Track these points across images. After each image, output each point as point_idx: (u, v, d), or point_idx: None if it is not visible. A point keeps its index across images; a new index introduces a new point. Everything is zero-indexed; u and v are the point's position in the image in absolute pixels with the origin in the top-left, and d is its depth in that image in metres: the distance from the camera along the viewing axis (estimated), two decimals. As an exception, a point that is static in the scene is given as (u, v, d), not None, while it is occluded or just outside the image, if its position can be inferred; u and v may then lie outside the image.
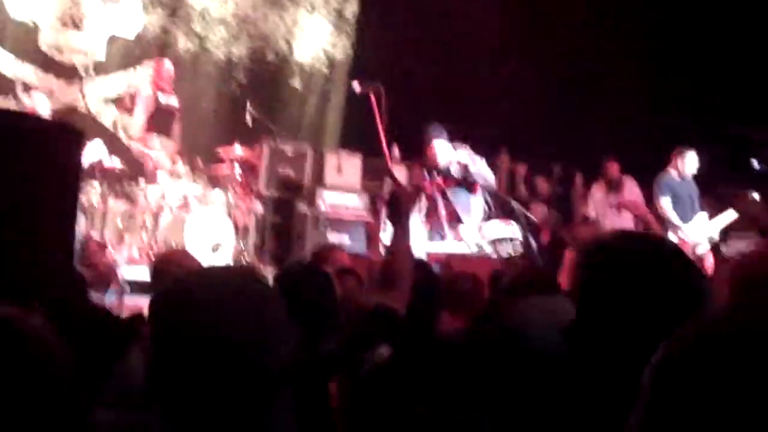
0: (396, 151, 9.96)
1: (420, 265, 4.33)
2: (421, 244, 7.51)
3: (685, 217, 8.54)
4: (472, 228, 7.86)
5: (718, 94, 10.13)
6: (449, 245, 7.75)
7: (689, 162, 8.64)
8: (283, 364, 1.51)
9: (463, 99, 10.96)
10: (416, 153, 10.15)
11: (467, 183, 8.07)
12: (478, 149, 8.34)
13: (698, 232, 8.47)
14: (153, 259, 6.67)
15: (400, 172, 9.76)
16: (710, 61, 10.50)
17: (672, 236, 8.21)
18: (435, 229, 7.91)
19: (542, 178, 10.88)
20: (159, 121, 9.48)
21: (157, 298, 1.60)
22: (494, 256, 7.51)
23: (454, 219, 7.92)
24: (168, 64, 9.86)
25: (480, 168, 8.10)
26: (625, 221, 9.31)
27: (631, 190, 9.66)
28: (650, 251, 1.81)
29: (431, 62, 11.67)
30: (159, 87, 9.60)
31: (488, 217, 8.07)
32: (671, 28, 10.89)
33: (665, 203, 8.52)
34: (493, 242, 7.66)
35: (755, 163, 8.45)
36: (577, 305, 1.84)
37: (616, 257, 1.82)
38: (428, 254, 7.26)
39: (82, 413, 1.44)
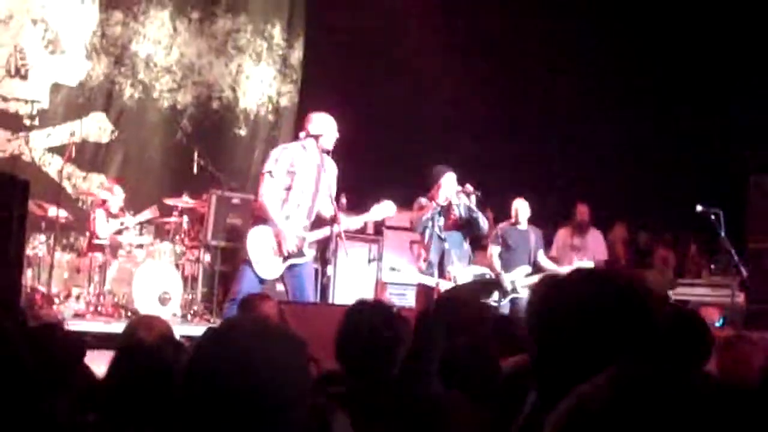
0: (344, 200, 10.02)
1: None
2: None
3: (514, 265, 8.91)
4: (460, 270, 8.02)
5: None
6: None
7: (522, 211, 9.02)
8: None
9: (413, 146, 11.02)
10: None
11: (464, 225, 8.17)
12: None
13: (511, 282, 8.83)
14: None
15: (347, 222, 9.80)
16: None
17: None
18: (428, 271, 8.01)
19: None
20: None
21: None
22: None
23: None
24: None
25: (479, 214, 8.21)
26: (585, 264, 9.50)
27: (596, 237, 9.93)
28: (607, 290, 1.85)
29: (380, 108, 11.68)
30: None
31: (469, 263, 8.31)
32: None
33: (493, 251, 8.98)
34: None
35: (699, 207, 8.60)
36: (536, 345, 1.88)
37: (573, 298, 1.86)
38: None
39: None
